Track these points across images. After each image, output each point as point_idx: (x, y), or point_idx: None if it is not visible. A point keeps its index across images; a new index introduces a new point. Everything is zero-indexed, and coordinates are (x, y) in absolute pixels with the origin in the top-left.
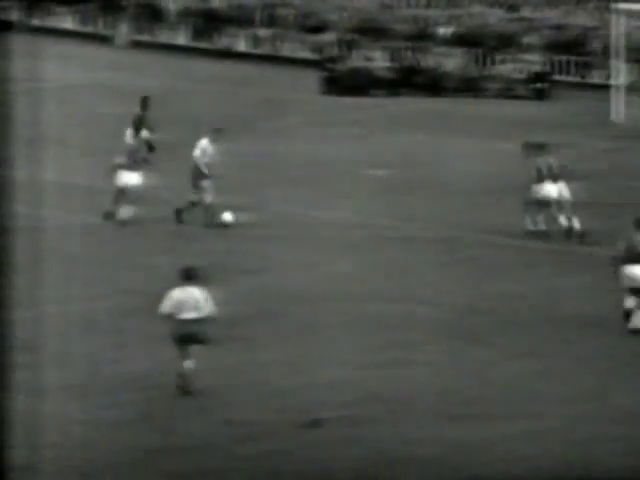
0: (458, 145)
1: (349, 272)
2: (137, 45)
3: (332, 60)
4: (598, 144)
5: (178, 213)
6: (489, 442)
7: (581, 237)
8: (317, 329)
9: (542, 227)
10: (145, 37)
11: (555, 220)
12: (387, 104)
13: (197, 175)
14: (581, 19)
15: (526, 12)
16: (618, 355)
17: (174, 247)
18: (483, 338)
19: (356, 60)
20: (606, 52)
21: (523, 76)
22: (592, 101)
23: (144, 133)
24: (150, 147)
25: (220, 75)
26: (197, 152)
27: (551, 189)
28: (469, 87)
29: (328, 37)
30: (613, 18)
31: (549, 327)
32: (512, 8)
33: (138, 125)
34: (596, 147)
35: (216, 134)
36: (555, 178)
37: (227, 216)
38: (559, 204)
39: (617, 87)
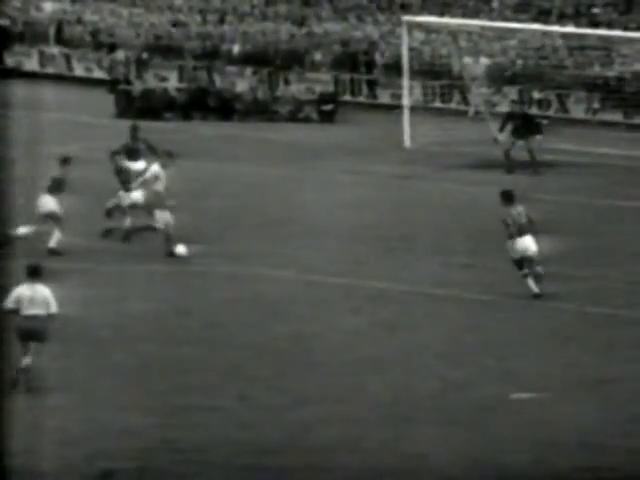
0: (248, 174)
1: (139, 310)
2: None
3: (126, 81)
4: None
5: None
6: None
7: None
8: (106, 372)
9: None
10: None
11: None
12: (180, 128)
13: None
14: (368, 32)
15: (315, 26)
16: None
17: None
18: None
19: (150, 80)
20: (396, 68)
21: (312, 97)
22: (383, 123)
23: (139, 163)
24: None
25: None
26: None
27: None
28: (260, 110)
29: (121, 55)
30: (403, 31)
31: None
32: (301, 23)
33: (131, 154)
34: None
35: (166, 159)
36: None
37: (180, 248)
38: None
39: (407, 108)
